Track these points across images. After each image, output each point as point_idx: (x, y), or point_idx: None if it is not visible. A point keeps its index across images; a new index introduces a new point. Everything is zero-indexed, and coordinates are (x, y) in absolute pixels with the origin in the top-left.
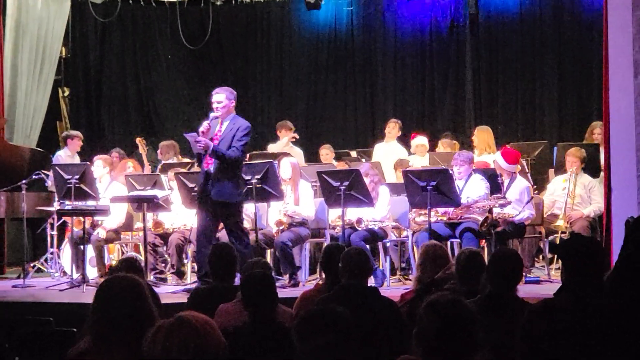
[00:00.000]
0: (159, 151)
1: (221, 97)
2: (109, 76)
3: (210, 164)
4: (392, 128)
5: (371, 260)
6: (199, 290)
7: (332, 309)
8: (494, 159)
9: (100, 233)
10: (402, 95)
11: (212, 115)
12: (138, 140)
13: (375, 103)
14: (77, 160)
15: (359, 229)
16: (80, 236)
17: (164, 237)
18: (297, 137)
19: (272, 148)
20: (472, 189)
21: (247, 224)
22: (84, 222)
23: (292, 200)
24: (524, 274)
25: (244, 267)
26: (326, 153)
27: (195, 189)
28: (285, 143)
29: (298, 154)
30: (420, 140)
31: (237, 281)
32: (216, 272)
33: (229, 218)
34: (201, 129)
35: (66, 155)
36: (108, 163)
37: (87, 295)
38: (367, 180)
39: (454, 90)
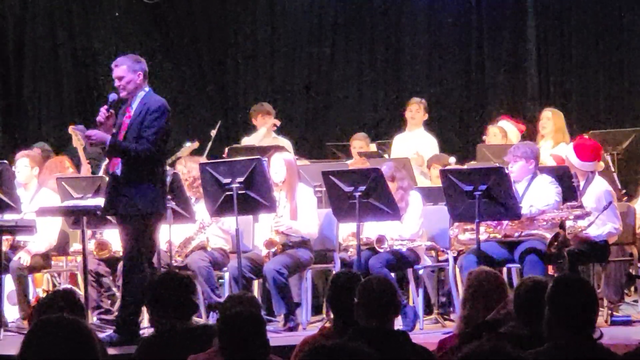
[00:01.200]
0: None
1: (121, 71)
2: (33, 41)
3: (117, 165)
4: (416, 111)
5: (398, 294)
6: (146, 341)
7: (347, 344)
8: (566, 153)
9: (23, 258)
10: (438, 69)
11: (111, 97)
12: (71, 129)
13: (402, 78)
14: None
15: (381, 250)
16: None
17: (111, 263)
18: (278, 123)
19: (247, 142)
20: (537, 195)
21: (225, 245)
22: (0, 243)
23: (288, 211)
24: (609, 310)
25: (223, 303)
26: (360, 146)
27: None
28: (264, 134)
29: (286, 146)
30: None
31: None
32: (166, 305)
33: (133, 232)
34: (98, 118)
35: None
36: (36, 162)
37: (5, 344)
38: (393, 186)
39: (512, 61)
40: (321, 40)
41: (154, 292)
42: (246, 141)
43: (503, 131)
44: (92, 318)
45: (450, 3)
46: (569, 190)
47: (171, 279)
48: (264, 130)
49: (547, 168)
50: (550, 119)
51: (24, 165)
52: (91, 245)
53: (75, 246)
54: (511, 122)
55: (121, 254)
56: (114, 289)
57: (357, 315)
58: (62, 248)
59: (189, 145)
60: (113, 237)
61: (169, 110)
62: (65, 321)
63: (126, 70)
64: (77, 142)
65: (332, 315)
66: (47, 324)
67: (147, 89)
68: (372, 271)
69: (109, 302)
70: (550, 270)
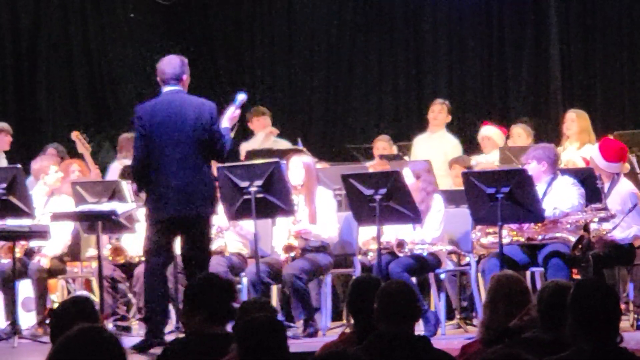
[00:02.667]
0: (118, 147)
1: None
2: (47, 44)
3: None
4: (439, 112)
5: (419, 299)
6: (176, 341)
7: (348, 353)
8: (590, 154)
9: (43, 262)
10: (460, 68)
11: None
12: (75, 135)
13: (422, 78)
14: (3, 162)
15: (401, 255)
16: (11, 269)
17: (127, 269)
18: (275, 132)
19: (246, 147)
20: (557, 197)
21: (243, 250)
22: (14, 249)
23: (307, 215)
24: (635, 315)
25: (239, 309)
26: (384, 147)
27: None
28: (263, 139)
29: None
30: (486, 131)
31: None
32: (201, 309)
33: None
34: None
35: None
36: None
37: (19, 353)
38: (416, 184)
39: (534, 60)
40: (340, 41)
41: (190, 293)
42: (245, 147)
43: (527, 132)
44: (108, 325)
45: (471, 4)
46: (594, 192)
47: (210, 282)
48: (262, 135)
49: (570, 170)
50: (575, 121)
51: (55, 171)
52: (106, 251)
53: (91, 252)
54: (493, 127)
55: (137, 259)
56: (130, 295)
57: (377, 321)
58: (75, 253)
59: None
60: (129, 243)
61: (137, 115)
62: (100, 332)
63: None
64: (82, 147)
65: (352, 321)
66: (81, 336)
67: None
68: (392, 276)
69: (125, 308)
70: (575, 273)
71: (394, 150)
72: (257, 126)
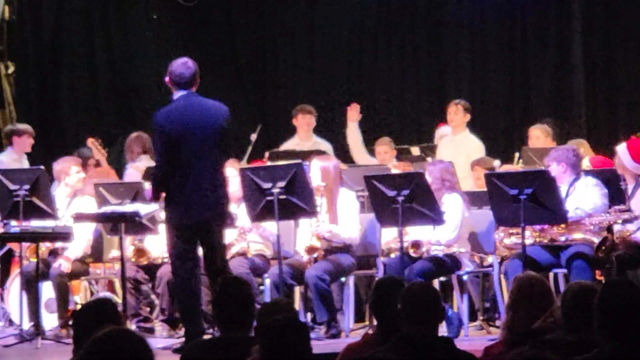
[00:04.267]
0: (125, 148)
1: None
2: (70, 46)
3: None
4: (454, 113)
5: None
6: (197, 345)
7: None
8: (619, 153)
9: (64, 266)
10: (482, 69)
11: None
12: (90, 141)
13: (444, 80)
14: (25, 164)
15: (415, 256)
16: (34, 270)
17: (150, 270)
18: (310, 122)
19: (286, 146)
20: (580, 197)
21: (266, 251)
22: (37, 250)
23: (329, 217)
24: None
25: (260, 310)
26: (385, 151)
27: None
28: (300, 137)
29: (326, 150)
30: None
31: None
32: (226, 317)
33: None
34: None
35: (11, 160)
36: (81, 168)
37: (42, 354)
38: (432, 180)
39: (556, 60)
40: (362, 42)
41: (215, 298)
42: (285, 146)
43: (545, 132)
44: (131, 326)
45: (493, 3)
46: (617, 193)
47: (228, 288)
48: (296, 140)
49: (594, 171)
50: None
51: (76, 172)
52: (129, 252)
53: (113, 253)
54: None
55: (160, 260)
56: (153, 297)
57: (401, 322)
58: (97, 255)
59: None
60: (152, 244)
61: (157, 122)
62: (130, 335)
63: None
64: (98, 154)
65: (375, 322)
66: (104, 339)
67: (175, 97)
68: (406, 278)
69: (148, 309)
70: (598, 275)
71: (414, 151)
72: (302, 123)
